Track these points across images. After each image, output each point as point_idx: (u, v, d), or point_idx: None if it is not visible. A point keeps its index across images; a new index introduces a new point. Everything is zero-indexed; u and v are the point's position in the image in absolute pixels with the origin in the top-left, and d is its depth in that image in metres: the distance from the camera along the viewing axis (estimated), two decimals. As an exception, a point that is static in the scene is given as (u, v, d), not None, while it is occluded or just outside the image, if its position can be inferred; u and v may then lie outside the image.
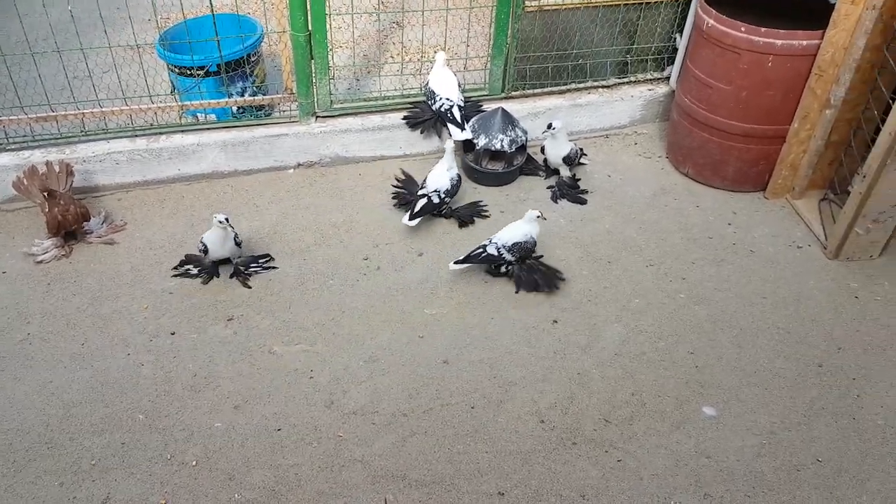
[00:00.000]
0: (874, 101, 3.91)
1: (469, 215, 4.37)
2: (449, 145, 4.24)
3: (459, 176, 4.32)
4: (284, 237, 4.22)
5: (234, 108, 4.72)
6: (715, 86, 4.18)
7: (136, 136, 4.47)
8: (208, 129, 4.54)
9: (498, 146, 4.48)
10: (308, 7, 4.25)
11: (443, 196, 4.21)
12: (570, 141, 4.57)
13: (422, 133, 4.69)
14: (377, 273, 4.02)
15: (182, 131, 4.51)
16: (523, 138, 4.56)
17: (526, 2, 4.50)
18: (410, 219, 4.17)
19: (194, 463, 3.15)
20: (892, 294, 3.94)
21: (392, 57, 5.29)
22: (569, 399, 3.42)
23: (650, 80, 5.02)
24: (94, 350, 3.60)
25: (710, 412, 3.37)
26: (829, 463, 3.18)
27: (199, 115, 4.70)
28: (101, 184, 4.48)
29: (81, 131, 4.45)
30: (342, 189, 4.57)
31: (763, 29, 3.88)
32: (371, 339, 3.67)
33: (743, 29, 3.92)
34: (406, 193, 4.42)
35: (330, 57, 4.49)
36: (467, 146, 4.64)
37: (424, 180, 4.28)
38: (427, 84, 4.62)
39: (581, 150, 4.71)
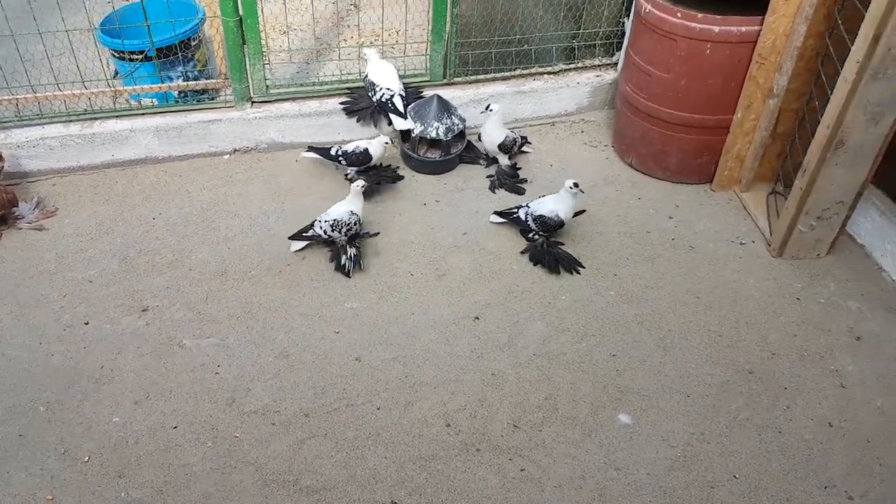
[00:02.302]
0: (817, 91, 3.49)
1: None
2: (355, 187, 3.65)
3: (359, 220, 3.66)
4: (212, 224, 3.89)
5: (176, 93, 4.38)
6: (654, 73, 3.78)
7: (71, 121, 4.15)
8: (142, 114, 4.20)
9: (433, 134, 4.11)
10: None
11: (330, 233, 3.61)
12: (509, 128, 4.20)
13: (359, 121, 4.32)
14: (302, 263, 3.69)
15: (116, 116, 4.18)
16: (460, 126, 4.18)
17: (465, -15, 4.11)
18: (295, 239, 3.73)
19: (86, 458, 2.87)
20: (836, 296, 3.54)
21: (345, 40, 4.92)
22: (479, 402, 3.07)
23: (598, 66, 4.60)
24: (7, 338, 3.31)
25: (625, 420, 3.01)
26: (746, 480, 2.82)
27: (140, 99, 4.36)
28: (36, 169, 4.16)
29: (16, 116, 4.13)
30: (277, 175, 4.23)
31: (699, 15, 3.46)
32: (285, 333, 3.34)
33: (679, 14, 3.51)
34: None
35: (265, 40, 4.13)
36: (405, 133, 4.27)
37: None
38: (367, 76, 4.25)
39: (524, 138, 4.34)
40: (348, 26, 5.14)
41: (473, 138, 4.40)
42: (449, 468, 2.84)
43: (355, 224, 3.61)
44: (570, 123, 4.66)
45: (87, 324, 3.38)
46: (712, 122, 3.80)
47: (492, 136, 4.09)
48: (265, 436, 2.94)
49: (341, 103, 4.31)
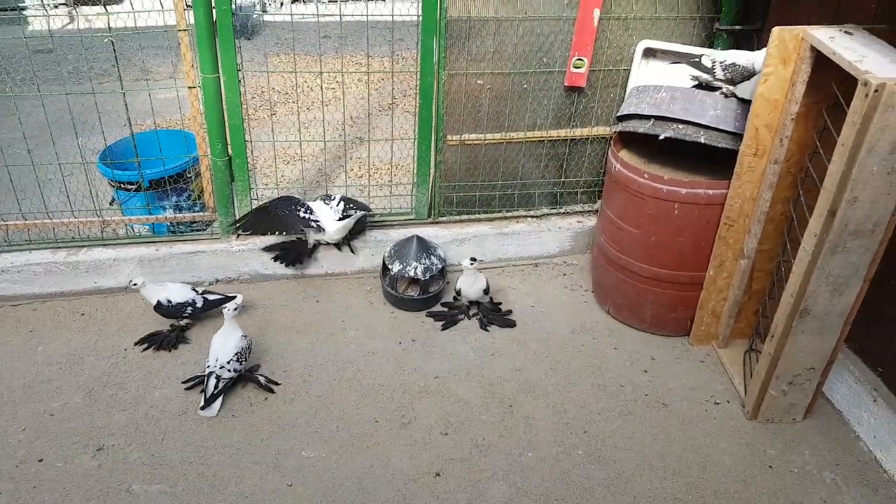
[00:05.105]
0: (793, 254, 3.38)
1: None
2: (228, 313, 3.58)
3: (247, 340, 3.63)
4: (181, 359, 3.78)
5: (168, 223, 4.41)
6: (625, 228, 3.69)
7: (58, 247, 4.15)
8: (127, 243, 4.19)
9: (411, 273, 4.04)
10: (228, 136, 3.97)
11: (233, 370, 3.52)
12: (489, 268, 4.15)
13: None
14: (263, 404, 3.55)
15: (103, 245, 4.17)
16: (439, 266, 4.11)
17: (447, 136, 4.13)
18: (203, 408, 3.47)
19: None
20: (811, 466, 3.31)
21: (353, 172, 4.95)
22: (428, 572, 2.85)
23: (580, 212, 4.55)
24: (-40, 473, 3.16)
25: None
26: None
27: (135, 227, 4.40)
28: (20, 293, 4.13)
29: (4, 241, 4.15)
30: (255, 307, 4.15)
31: (666, 177, 3.41)
32: (236, 483, 3.17)
33: (646, 176, 3.46)
34: None
35: (275, 170, 4.16)
36: (384, 269, 4.22)
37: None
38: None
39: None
40: (349, 159, 5.18)
41: (454, 276, 4.33)
42: None
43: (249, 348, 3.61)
44: (552, 266, 4.58)
45: (40, 461, 3.24)
46: (685, 278, 3.68)
47: (474, 285, 4.01)
48: None
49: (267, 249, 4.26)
